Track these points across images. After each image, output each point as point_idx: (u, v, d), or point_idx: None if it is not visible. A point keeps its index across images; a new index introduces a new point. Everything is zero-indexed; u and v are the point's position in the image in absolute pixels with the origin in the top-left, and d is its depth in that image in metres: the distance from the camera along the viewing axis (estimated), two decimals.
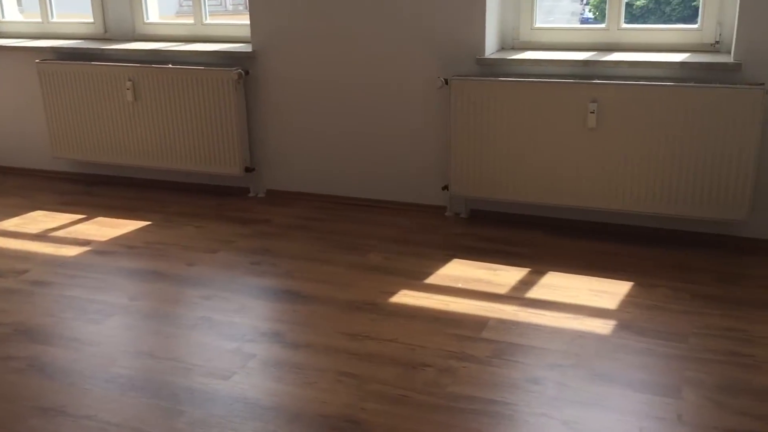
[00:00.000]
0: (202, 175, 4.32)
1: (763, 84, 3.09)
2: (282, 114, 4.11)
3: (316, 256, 3.44)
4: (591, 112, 3.34)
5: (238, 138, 4.07)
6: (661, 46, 3.50)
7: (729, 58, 3.22)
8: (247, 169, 4.17)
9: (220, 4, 15.46)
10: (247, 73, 4.05)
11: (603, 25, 3.62)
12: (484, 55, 3.61)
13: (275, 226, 3.83)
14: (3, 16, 4.79)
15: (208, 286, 3.14)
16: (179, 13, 13.79)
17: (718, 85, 3.14)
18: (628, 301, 2.88)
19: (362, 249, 3.49)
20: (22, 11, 4.94)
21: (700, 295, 2.92)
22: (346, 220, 3.89)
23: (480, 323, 2.75)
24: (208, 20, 4.37)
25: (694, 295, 2.92)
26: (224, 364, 2.50)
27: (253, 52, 4.03)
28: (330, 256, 3.42)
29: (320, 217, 3.95)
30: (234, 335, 2.70)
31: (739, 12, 3.13)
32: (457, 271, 3.23)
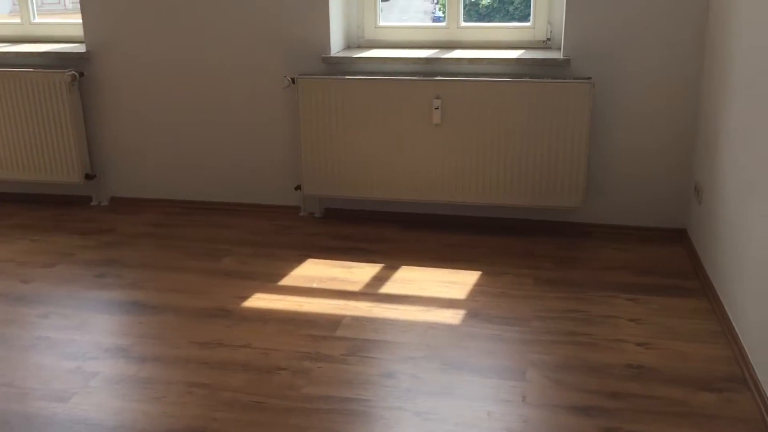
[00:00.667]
0: (39, 185, 4.04)
1: (590, 78, 3.29)
2: (123, 117, 3.92)
3: (165, 264, 3.30)
4: (435, 108, 3.42)
5: (76, 144, 3.84)
6: (499, 43, 3.64)
7: (559, 54, 3.40)
8: (88, 177, 3.95)
9: (59, 2, 14.63)
10: (81, 74, 3.82)
11: (444, 24, 3.72)
12: (329, 53, 3.61)
13: (121, 236, 3.65)
14: None
15: (45, 303, 2.93)
16: (12, 12, 12.92)
17: (549, 79, 3.31)
18: (476, 290, 2.98)
19: (215, 254, 3.39)
20: None
21: (542, 280, 3.07)
22: (197, 225, 3.77)
23: (335, 322, 2.74)
24: (37, 19, 4.09)
25: (536, 280, 3.06)
26: (63, 386, 2.34)
27: (88, 52, 3.81)
28: (181, 264, 3.30)
29: (170, 223, 3.80)
30: (74, 354, 2.54)
31: (566, 12, 3.31)
32: (312, 271, 3.21)
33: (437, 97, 3.42)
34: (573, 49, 3.34)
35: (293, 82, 3.60)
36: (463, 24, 3.69)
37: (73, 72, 3.76)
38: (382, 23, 3.79)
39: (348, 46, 3.80)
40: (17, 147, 3.88)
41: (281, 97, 3.70)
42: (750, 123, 2.46)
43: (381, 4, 3.75)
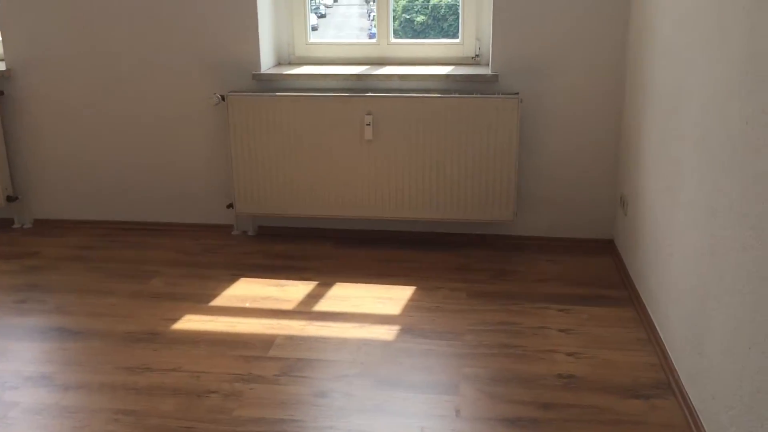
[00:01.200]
0: None
1: (517, 93, 3.35)
2: (46, 137, 3.80)
3: (91, 287, 3.20)
4: (367, 125, 3.43)
5: None
6: (429, 59, 3.68)
7: (487, 70, 3.45)
8: (9, 198, 3.81)
9: None
10: (1, 93, 3.69)
11: (374, 41, 3.73)
12: (260, 70, 3.58)
13: (44, 259, 3.52)
14: None
15: None
16: None
17: (478, 95, 3.35)
18: (410, 306, 2.98)
19: (143, 276, 3.31)
20: None
21: (476, 294, 3.09)
22: (125, 246, 3.67)
23: (267, 342, 2.70)
24: None
25: (470, 294, 3.08)
26: None
27: (8, 70, 3.68)
28: (107, 287, 3.20)
29: (97, 245, 3.69)
30: None
31: (493, 29, 3.37)
32: (245, 290, 3.16)
33: (369, 114, 3.42)
34: (500, 65, 3.39)
35: (223, 99, 3.55)
36: (394, 40, 3.72)
37: None
38: (312, 40, 3.78)
39: (279, 63, 3.78)
40: None
41: (212, 114, 3.65)
42: (668, 135, 2.55)
43: (313, 21, 3.74)
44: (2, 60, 3.78)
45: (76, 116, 3.75)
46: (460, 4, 3.60)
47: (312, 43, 3.77)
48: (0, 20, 3.65)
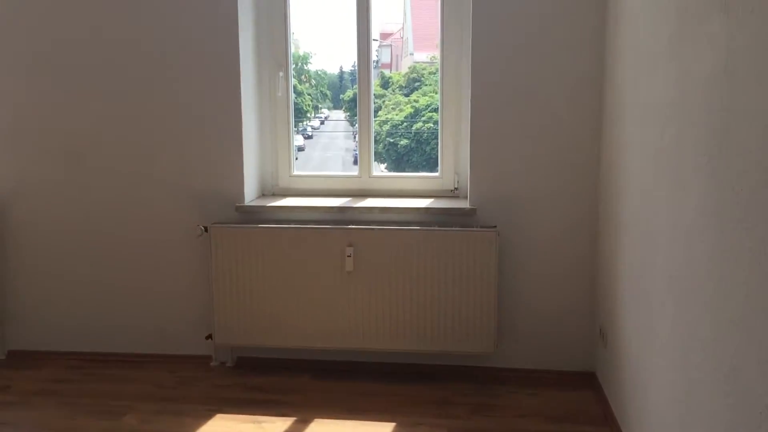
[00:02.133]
0: None
1: (495, 227, 3.42)
2: (25, 264, 3.80)
3: (62, 425, 3.11)
4: (348, 256, 3.46)
5: None
6: (410, 192, 3.78)
7: (466, 204, 3.54)
8: None
9: None
10: None
11: (356, 173, 3.84)
12: (243, 202, 3.65)
13: (15, 394, 3.43)
14: None
15: None
16: None
17: (457, 228, 3.42)
18: None
19: (117, 412, 3.22)
20: None
21: (456, 430, 3.02)
22: (100, 379, 3.59)
23: None
24: None
25: (451, 430, 3.01)
26: None
27: None
28: (78, 424, 3.11)
29: (71, 378, 3.61)
30: None
31: (471, 164, 3.48)
32: (221, 428, 3.07)
33: (350, 245, 3.47)
34: (478, 198, 3.48)
35: (206, 230, 3.60)
36: (375, 173, 3.82)
37: None
38: (296, 172, 3.88)
39: (263, 194, 3.86)
40: None
41: (194, 245, 3.68)
42: (640, 268, 2.59)
43: (299, 142, 3.86)
44: None
45: (59, 245, 3.77)
46: (439, 140, 3.73)
47: (296, 175, 3.87)
48: None
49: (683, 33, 2.13)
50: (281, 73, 3.77)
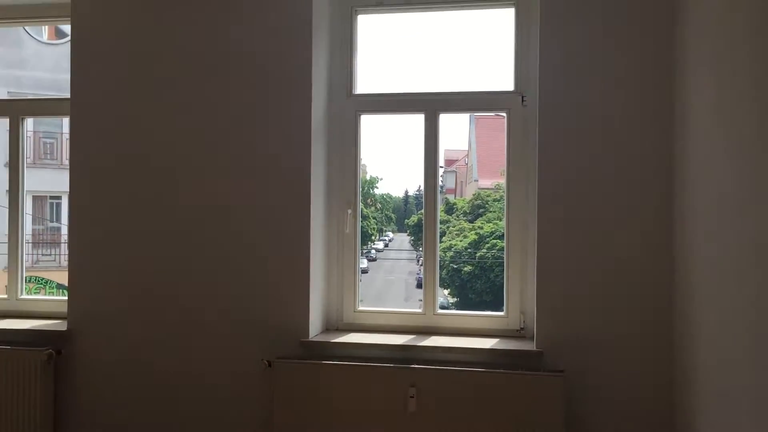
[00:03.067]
0: None
1: (562, 371, 3.32)
2: (96, 396, 3.85)
3: None
4: (411, 397, 3.40)
5: (41, 426, 3.72)
6: (474, 330, 3.73)
7: (532, 345, 3.46)
8: None
9: (54, 259, 15.14)
10: (59, 352, 3.83)
11: (420, 310, 3.83)
12: (308, 337, 3.66)
13: None
14: None
15: None
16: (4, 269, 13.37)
17: (522, 371, 3.33)
18: None
19: None
20: None
21: None
22: None
23: None
24: (24, 295, 4.20)
25: None
26: None
27: (68, 331, 3.85)
28: None
29: None
30: None
31: (537, 304, 3.44)
32: None
33: (413, 385, 3.41)
34: (545, 339, 3.41)
35: (270, 365, 3.61)
36: (440, 311, 3.81)
37: (50, 350, 3.77)
38: (361, 307, 3.90)
39: (327, 329, 3.87)
40: None
41: (257, 378, 3.67)
42: (723, 418, 2.44)
43: (363, 264, 3.90)
44: (65, 319, 3.95)
45: (121, 372, 3.82)
46: (505, 279, 3.71)
47: (360, 311, 3.88)
48: (69, 282, 3.89)
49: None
50: (350, 211, 3.87)
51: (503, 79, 3.80)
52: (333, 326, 3.89)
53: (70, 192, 3.89)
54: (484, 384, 3.34)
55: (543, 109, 3.45)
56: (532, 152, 3.57)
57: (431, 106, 3.81)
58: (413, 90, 3.89)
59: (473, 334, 3.72)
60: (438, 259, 3.83)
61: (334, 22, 3.89)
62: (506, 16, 3.81)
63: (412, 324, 3.82)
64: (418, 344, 3.55)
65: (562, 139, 3.41)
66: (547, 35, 3.45)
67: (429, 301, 3.81)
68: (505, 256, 3.72)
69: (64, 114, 4.03)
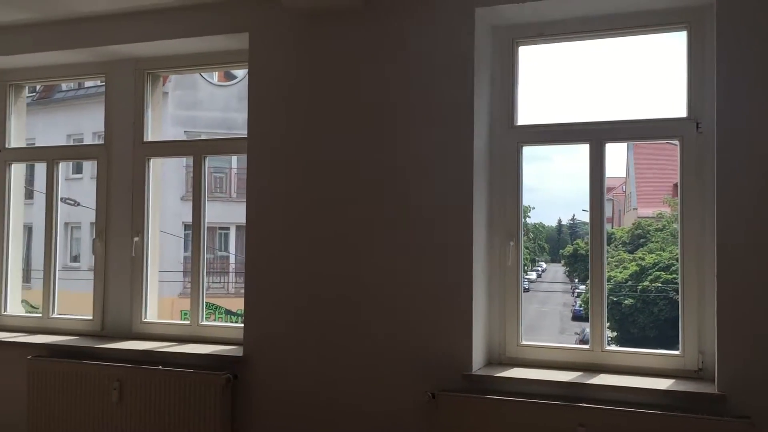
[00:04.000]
0: None
1: (749, 417, 3.07)
2: (268, 423, 4.02)
3: None
4: None
5: None
6: (646, 369, 3.54)
7: (713, 388, 3.24)
8: None
9: (222, 287, 16.14)
10: (235, 377, 4.05)
11: (587, 346, 3.70)
12: (471, 370, 3.63)
13: None
14: (4, 310, 4.94)
15: None
16: (182, 295, 14.39)
17: (703, 416, 3.11)
18: None
19: None
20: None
21: None
22: None
23: None
24: (204, 322, 4.50)
25: None
26: None
27: (244, 356, 4.07)
28: None
29: None
30: None
31: (718, 342, 3.22)
32: None
33: (582, 425, 3.28)
34: (728, 382, 3.17)
35: (433, 397, 3.62)
36: (608, 348, 3.66)
37: (228, 375, 4.00)
38: (524, 341, 3.83)
39: (489, 362, 3.83)
40: None
41: (417, 411, 3.69)
42: None
43: (524, 320, 3.83)
44: (240, 345, 4.18)
45: (288, 403, 3.95)
46: (680, 313, 3.51)
47: (524, 345, 3.81)
48: (246, 311, 4.13)
49: None
50: (512, 243, 3.83)
51: (671, 106, 3.65)
52: (496, 360, 3.84)
53: (246, 224, 4.14)
54: (660, 428, 3.16)
55: (721, 135, 3.26)
56: (708, 180, 3.37)
57: (596, 135, 3.71)
58: (577, 120, 3.80)
59: (644, 373, 3.53)
60: (606, 293, 3.70)
61: (495, 55, 3.90)
62: (675, 40, 3.66)
63: (578, 360, 3.69)
64: (586, 382, 3.42)
65: (744, 166, 3.20)
66: (724, 57, 3.26)
67: (596, 337, 3.67)
68: (679, 291, 3.52)
69: (240, 152, 4.31)
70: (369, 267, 3.86)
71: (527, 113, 3.97)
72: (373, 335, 3.84)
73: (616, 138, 3.78)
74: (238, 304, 13.92)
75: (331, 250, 3.94)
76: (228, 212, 14.52)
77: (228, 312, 13.36)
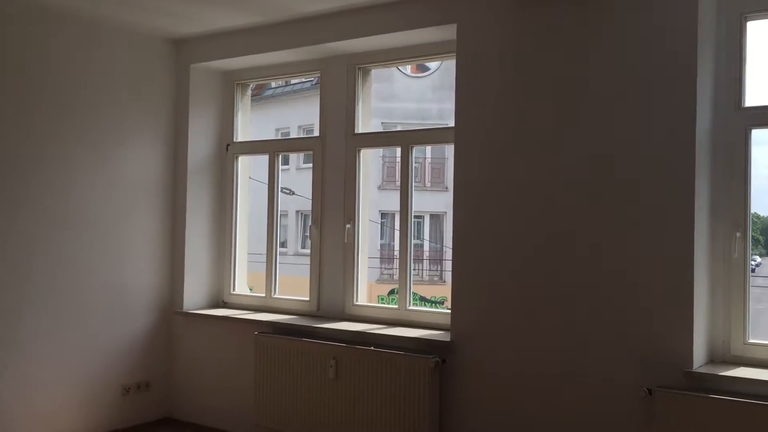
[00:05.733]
0: None
1: None
2: (475, 409, 4.08)
3: None
4: None
5: (429, 427, 4.07)
6: None
7: None
8: None
9: (417, 274, 16.51)
10: (444, 361, 4.15)
11: None
12: (692, 368, 3.44)
13: None
14: (233, 290, 5.44)
15: None
16: (379, 281, 14.92)
17: None
18: None
19: None
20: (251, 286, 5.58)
21: None
22: None
23: None
24: (411, 306, 4.65)
25: None
26: None
27: (451, 342, 4.16)
28: None
29: None
30: None
31: None
32: None
33: None
34: None
35: (650, 393, 3.47)
36: None
37: (436, 359, 4.11)
38: (751, 339, 3.56)
39: (711, 360, 3.60)
40: (378, 422, 4.23)
41: (635, 408, 3.56)
42: None
43: (751, 318, 3.56)
44: (447, 330, 4.27)
45: (505, 392, 3.97)
46: None
47: (751, 343, 3.54)
48: (452, 299, 4.21)
49: None
50: (738, 234, 3.57)
51: None
52: (719, 358, 3.60)
53: (454, 212, 4.21)
54: None
55: None
56: None
57: None
58: None
59: None
60: None
61: (721, 32, 3.64)
62: None
63: None
64: None
65: None
66: None
67: None
68: None
69: (447, 142, 4.39)
70: (582, 258, 3.77)
71: (757, 94, 3.66)
72: (586, 327, 3.74)
73: None
74: (432, 291, 14.18)
75: (539, 240, 3.90)
76: (422, 201, 14.84)
77: (422, 299, 13.66)
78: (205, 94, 5.46)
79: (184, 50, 5.40)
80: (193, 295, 5.40)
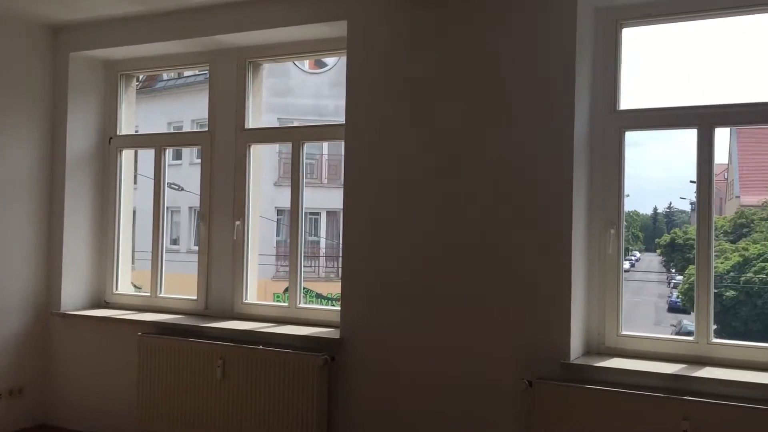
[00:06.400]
0: None
1: None
2: (363, 406, 4.09)
3: None
4: (684, 430, 3.18)
5: (317, 425, 4.05)
6: (755, 363, 3.40)
7: None
8: None
9: (313, 271, 16.49)
10: (332, 359, 4.14)
11: (692, 338, 3.58)
12: (569, 359, 3.59)
13: None
14: (116, 289, 5.22)
15: None
16: (275, 278, 14.77)
17: None
18: None
19: None
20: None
21: None
22: None
23: None
24: (302, 304, 4.62)
25: None
26: None
27: (341, 339, 4.15)
28: None
29: None
30: None
31: None
32: None
33: (686, 419, 3.19)
34: None
35: (530, 385, 3.59)
36: (715, 340, 3.53)
37: (325, 356, 4.09)
38: (624, 332, 3.74)
39: (587, 352, 3.77)
40: (266, 421, 4.17)
41: (515, 399, 3.67)
42: None
43: (625, 311, 3.75)
44: (337, 328, 4.26)
45: (391, 388, 4.01)
46: None
47: (624, 335, 3.72)
48: (342, 294, 4.20)
49: None
50: (612, 231, 3.74)
51: None
52: (594, 349, 3.77)
53: (344, 209, 4.20)
54: None
55: None
56: None
57: (706, 120, 3.56)
58: (684, 104, 3.67)
59: (753, 367, 3.39)
60: (712, 283, 3.56)
61: (598, 38, 3.80)
62: None
63: (681, 352, 3.57)
64: (691, 375, 3.31)
65: None
66: None
67: (702, 328, 3.54)
68: None
69: (338, 138, 4.37)
70: (466, 253, 3.85)
71: (630, 98, 3.86)
72: (469, 321, 3.83)
73: (726, 122, 3.64)
74: (328, 288, 14.15)
75: (427, 237, 3.95)
76: (319, 198, 14.80)
77: (318, 296, 13.63)
78: (86, 85, 5.21)
79: (63, 37, 5.13)
80: (72, 296, 5.15)
